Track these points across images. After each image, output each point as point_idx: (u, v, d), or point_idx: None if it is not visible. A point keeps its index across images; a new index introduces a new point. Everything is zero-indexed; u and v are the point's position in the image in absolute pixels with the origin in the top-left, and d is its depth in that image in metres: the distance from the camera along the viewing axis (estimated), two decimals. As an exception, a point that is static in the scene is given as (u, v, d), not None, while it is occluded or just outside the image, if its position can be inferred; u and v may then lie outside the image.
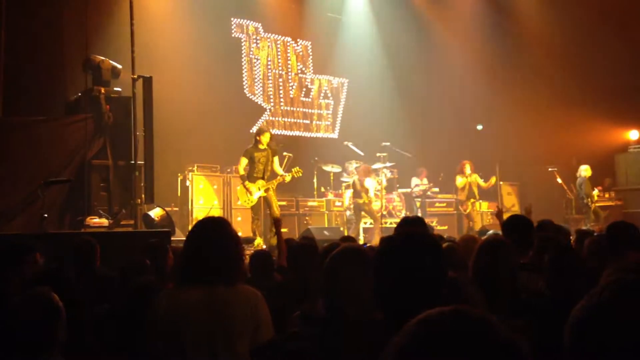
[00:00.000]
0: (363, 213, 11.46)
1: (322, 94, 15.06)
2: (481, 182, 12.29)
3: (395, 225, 11.18)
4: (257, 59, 13.99)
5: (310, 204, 12.34)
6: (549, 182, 13.42)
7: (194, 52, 12.19)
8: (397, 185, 13.19)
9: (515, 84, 14.76)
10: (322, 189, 12.76)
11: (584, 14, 13.97)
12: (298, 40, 14.66)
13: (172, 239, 7.36)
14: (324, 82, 15.10)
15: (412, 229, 3.16)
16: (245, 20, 13.76)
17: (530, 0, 15.33)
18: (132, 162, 8.52)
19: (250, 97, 13.76)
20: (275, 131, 13.22)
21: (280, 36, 14.40)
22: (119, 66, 9.12)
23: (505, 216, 5.07)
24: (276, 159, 9.36)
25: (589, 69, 13.95)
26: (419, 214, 11.65)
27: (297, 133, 14.39)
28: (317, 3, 14.74)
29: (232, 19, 13.50)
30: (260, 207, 9.45)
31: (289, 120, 14.38)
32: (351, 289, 2.18)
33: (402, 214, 12.44)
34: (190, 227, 9.78)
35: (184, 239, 3.50)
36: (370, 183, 11.45)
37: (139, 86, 8.57)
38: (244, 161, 9.33)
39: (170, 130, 10.63)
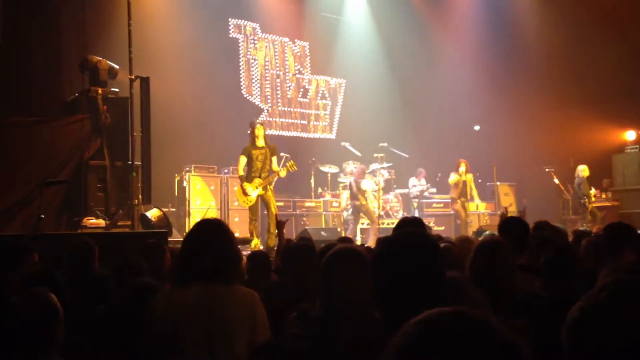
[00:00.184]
0: (361, 214, 11.47)
1: (320, 95, 15.06)
2: (473, 185, 12.21)
3: (392, 226, 11.20)
4: (255, 60, 13.99)
5: (307, 204, 12.35)
6: (546, 183, 13.44)
7: (192, 53, 12.19)
8: (395, 186, 13.21)
9: (513, 85, 14.79)
10: (320, 190, 12.77)
11: (581, 15, 14.00)
12: (296, 40, 14.66)
13: (169, 239, 7.35)
14: (322, 82, 15.11)
15: (411, 229, 3.17)
16: (242, 21, 13.75)
17: (529, 2, 15.36)
18: (130, 162, 8.51)
19: (248, 98, 13.75)
20: (272, 132, 13.24)
21: (277, 36, 14.40)
22: (116, 67, 9.10)
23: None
24: (274, 159, 9.32)
25: (586, 70, 13.98)
26: (416, 215, 11.67)
27: (294, 133, 14.40)
28: (315, 4, 14.75)
29: (229, 19, 13.49)
30: (257, 208, 9.44)
31: (287, 120, 14.38)
32: (347, 289, 2.18)
33: (400, 215, 12.46)
34: (187, 228, 9.81)
35: (181, 239, 3.51)
36: (367, 184, 11.46)
37: (137, 87, 8.56)
38: (242, 160, 9.28)
39: (167, 130, 10.62)
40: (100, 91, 8.70)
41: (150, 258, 4.20)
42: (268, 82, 14.15)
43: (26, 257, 3.75)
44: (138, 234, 7.44)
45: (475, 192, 12.27)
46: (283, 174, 9.24)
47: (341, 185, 12.61)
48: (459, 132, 14.56)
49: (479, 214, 13.39)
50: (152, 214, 8.83)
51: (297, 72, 14.68)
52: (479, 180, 13.57)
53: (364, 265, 2.22)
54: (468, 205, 12.25)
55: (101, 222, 8.00)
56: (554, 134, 14.34)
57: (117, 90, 9.08)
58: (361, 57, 15.13)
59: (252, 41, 13.97)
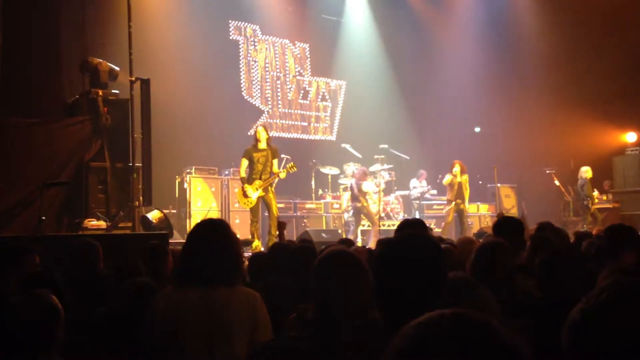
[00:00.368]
0: (362, 216, 11.46)
1: (320, 96, 15.07)
2: (467, 187, 11.65)
3: (393, 228, 11.20)
4: (255, 61, 14.00)
5: (308, 206, 12.34)
6: (547, 184, 13.44)
7: (192, 55, 12.21)
8: (395, 188, 13.20)
9: (514, 86, 14.80)
10: (320, 191, 12.77)
11: (581, 16, 14.01)
12: (296, 42, 14.68)
13: (170, 241, 7.35)
14: (322, 84, 15.11)
15: (413, 231, 3.17)
16: (243, 23, 13.77)
17: (529, 4, 15.37)
18: (130, 164, 8.51)
19: (248, 100, 13.77)
20: (273, 133, 13.23)
21: (278, 38, 14.41)
22: (117, 68, 9.11)
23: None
24: (275, 162, 9.33)
25: (586, 72, 13.97)
26: (417, 216, 11.66)
27: (295, 135, 14.40)
28: (315, 5, 14.76)
29: (230, 21, 13.51)
30: (258, 209, 9.43)
31: (287, 122, 14.39)
32: (339, 290, 2.18)
33: (400, 216, 12.46)
34: (188, 230, 9.80)
35: (182, 241, 3.51)
36: (369, 185, 11.45)
37: (137, 88, 8.57)
38: (244, 163, 9.29)
39: (168, 132, 10.63)
40: (100, 93, 8.71)
41: (153, 260, 4.19)
42: (268, 83, 14.16)
43: (26, 258, 3.75)
44: (139, 236, 7.44)
45: (467, 194, 11.65)
46: (283, 175, 9.24)
47: (342, 187, 12.61)
48: (459, 134, 14.56)
49: (480, 216, 13.37)
50: (153, 215, 8.83)
51: (297, 73, 14.69)
52: (480, 182, 13.57)
53: (356, 267, 2.22)
54: (465, 208, 11.72)
55: (102, 224, 7.99)
56: (554, 135, 14.34)
57: (117, 92, 9.08)
58: (361, 58, 15.14)
59: (253, 43, 13.98)
